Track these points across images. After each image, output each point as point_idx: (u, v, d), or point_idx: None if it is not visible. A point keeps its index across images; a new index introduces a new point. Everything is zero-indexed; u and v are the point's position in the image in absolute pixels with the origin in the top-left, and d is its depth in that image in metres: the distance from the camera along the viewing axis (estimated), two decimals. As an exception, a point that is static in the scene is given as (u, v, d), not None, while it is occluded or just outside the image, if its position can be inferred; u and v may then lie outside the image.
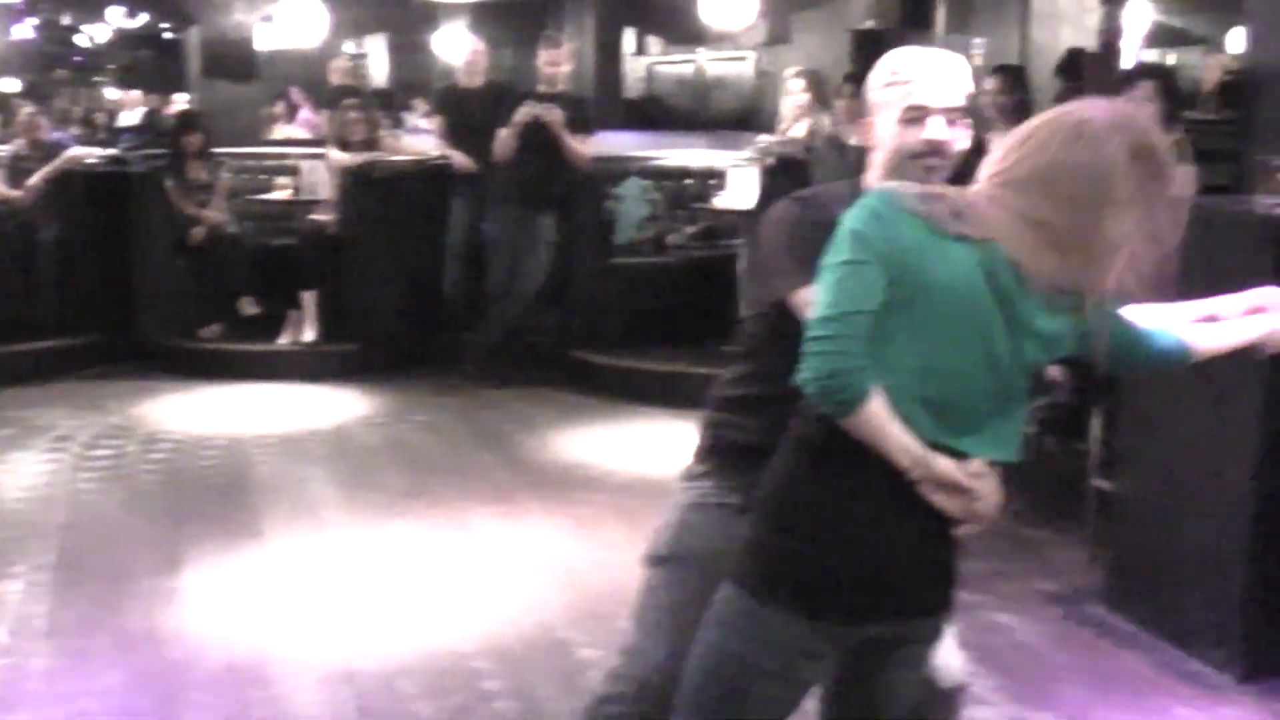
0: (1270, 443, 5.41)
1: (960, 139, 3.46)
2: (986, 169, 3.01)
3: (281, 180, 12.28)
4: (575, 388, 10.48)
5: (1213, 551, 5.63)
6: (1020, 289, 2.89)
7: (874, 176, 3.55)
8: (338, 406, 9.88)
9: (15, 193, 11.47)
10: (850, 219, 2.91)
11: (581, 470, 8.36)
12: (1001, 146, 3.02)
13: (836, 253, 2.91)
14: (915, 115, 3.44)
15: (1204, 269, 5.58)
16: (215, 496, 7.84)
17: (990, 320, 2.91)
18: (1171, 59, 15.46)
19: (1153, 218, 2.96)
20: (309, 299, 11.00)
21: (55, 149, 11.94)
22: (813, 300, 2.93)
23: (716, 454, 3.83)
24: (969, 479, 3.06)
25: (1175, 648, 5.73)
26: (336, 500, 7.80)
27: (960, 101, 3.50)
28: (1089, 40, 8.79)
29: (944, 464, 2.99)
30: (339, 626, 5.91)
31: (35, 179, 11.48)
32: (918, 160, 3.44)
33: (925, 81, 3.49)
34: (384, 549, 6.93)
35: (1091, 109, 3.04)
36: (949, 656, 3.66)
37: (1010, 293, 2.89)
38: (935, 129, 3.45)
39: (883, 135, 3.52)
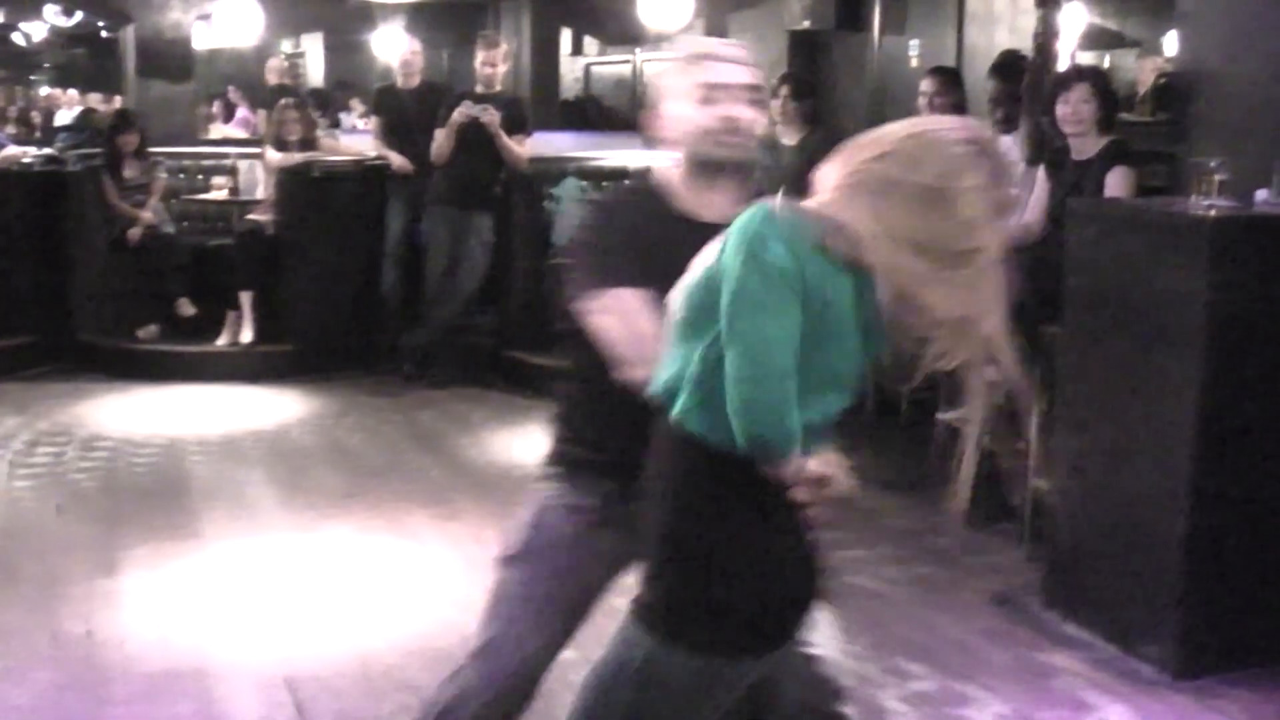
0: (1205, 439, 5.47)
1: (757, 119, 3.55)
2: (832, 176, 2.99)
3: (218, 180, 12.23)
4: (512, 388, 10.49)
5: (1148, 549, 5.69)
6: (877, 311, 2.89)
7: (674, 164, 3.61)
8: (275, 408, 9.85)
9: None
10: (773, 254, 2.78)
11: (519, 471, 8.34)
12: (850, 157, 3.00)
13: (764, 288, 2.78)
14: (711, 94, 3.50)
15: (1141, 270, 5.67)
16: (152, 499, 7.81)
17: (855, 340, 2.94)
18: (1107, 61, 15.58)
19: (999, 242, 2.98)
20: (246, 299, 10.96)
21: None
22: (737, 340, 2.81)
23: (564, 461, 3.84)
24: (830, 470, 3.16)
25: (1112, 646, 5.78)
26: (274, 502, 7.78)
27: (754, 80, 3.57)
28: (1024, 43, 8.84)
29: (811, 464, 3.06)
30: (277, 629, 5.90)
31: None
32: (717, 139, 3.50)
33: (718, 62, 3.57)
34: (322, 551, 6.92)
35: (942, 123, 3.02)
36: (827, 642, 3.64)
37: (871, 315, 2.89)
38: (732, 106, 3.51)
39: (678, 118, 3.57)
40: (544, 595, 3.68)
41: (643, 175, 3.76)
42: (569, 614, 3.74)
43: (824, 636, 3.60)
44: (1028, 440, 6.88)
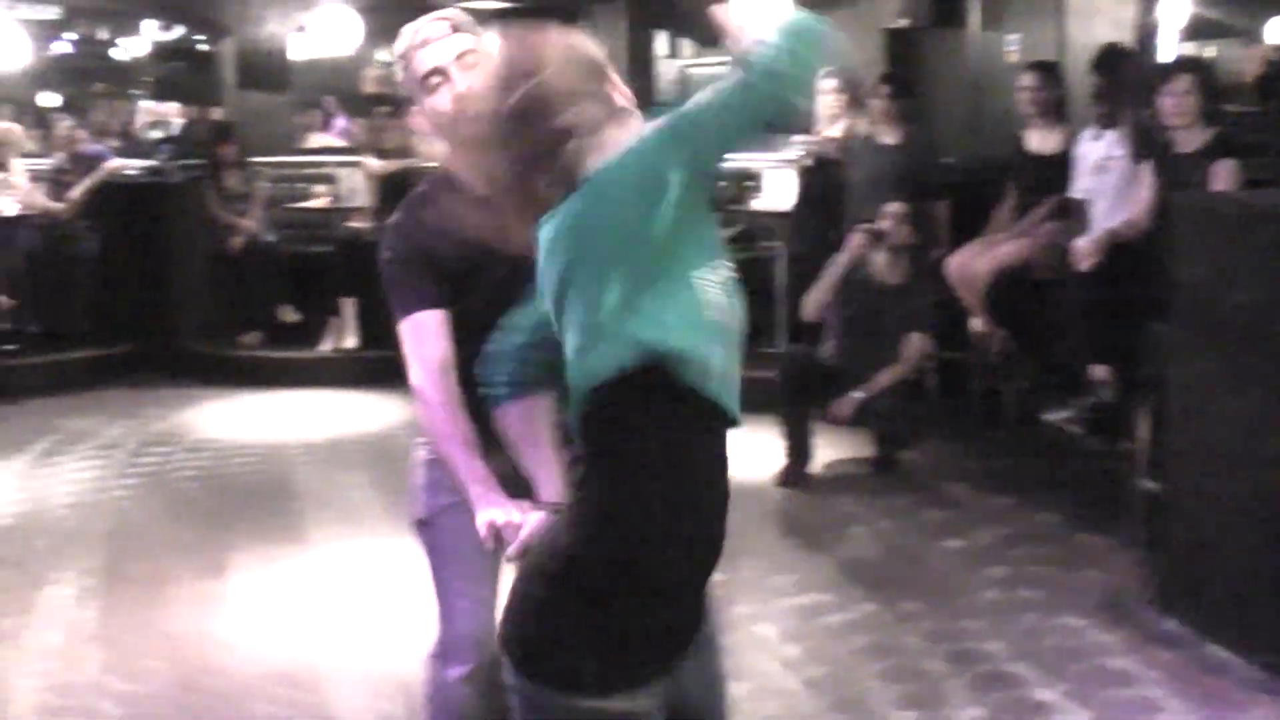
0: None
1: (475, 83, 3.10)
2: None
3: (318, 188, 12.32)
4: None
5: (1263, 552, 5.56)
6: None
7: (452, 161, 3.54)
8: (378, 413, 9.88)
9: (57, 205, 11.53)
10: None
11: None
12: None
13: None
14: (436, 79, 3.47)
15: (1249, 264, 5.57)
16: (258, 503, 7.87)
17: None
18: (1210, 52, 15.36)
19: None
20: (347, 306, 11.03)
21: (95, 161, 12.02)
22: None
23: None
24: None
25: (1227, 650, 5.63)
26: (379, 506, 7.80)
27: (467, 45, 3.49)
28: (1125, 35, 8.75)
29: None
30: (385, 632, 5.90)
31: (76, 192, 11.55)
32: (458, 123, 3.30)
33: (427, 45, 3.51)
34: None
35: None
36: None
37: None
38: (459, 80, 3.44)
39: (430, 115, 3.53)
40: (469, 548, 3.47)
41: (430, 180, 3.69)
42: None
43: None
44: (1137, 440, 6.78)
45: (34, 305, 11.75)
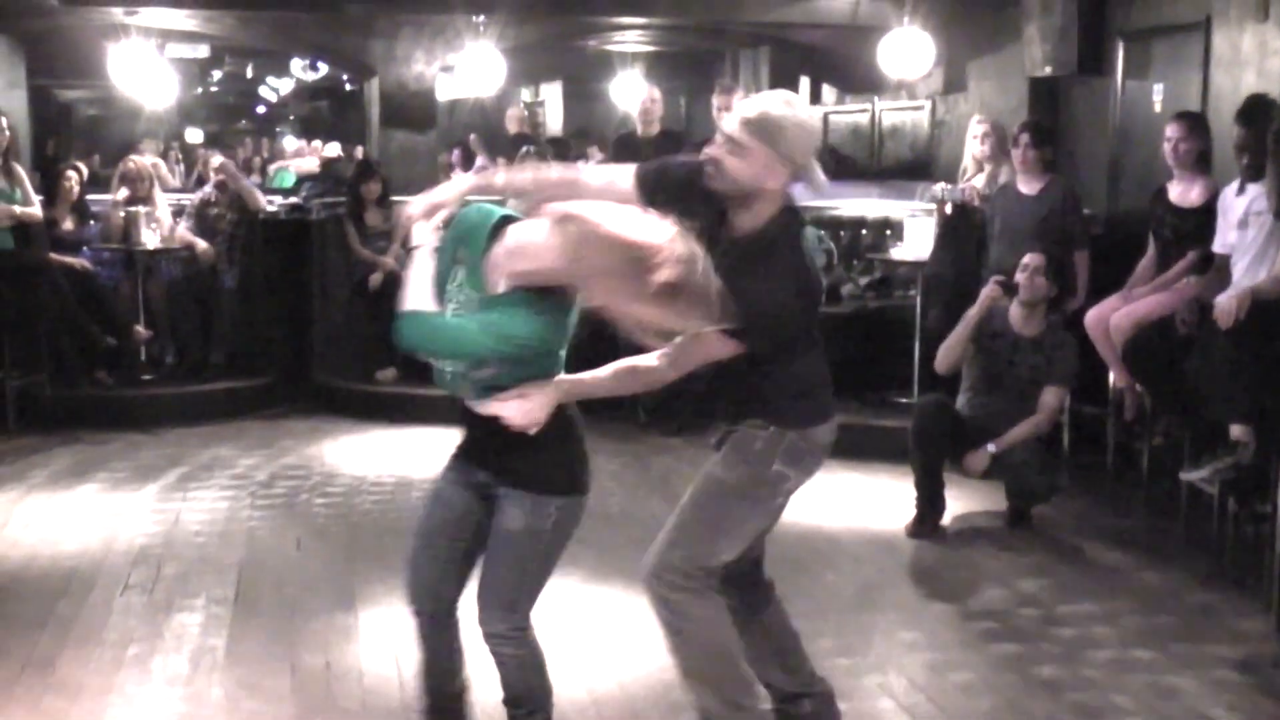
0: None
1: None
2: None
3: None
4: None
5: None
6: None
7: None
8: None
9: (203, 243, 11.69)
10: None
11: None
12: None
13: None
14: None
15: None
16: (389, 536, 7.90)
17: None
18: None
19: None
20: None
21: (245, 191, 12.22)
22: None
23: None
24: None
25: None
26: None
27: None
28: (1273, 86, 8.60)
29: None
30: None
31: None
32: None
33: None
34: (552, 596, 6.91)
35: None
36: None
37: None
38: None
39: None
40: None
41: None
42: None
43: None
44: (1274, 502, 6.65)
45: (172, 336, 11.93)
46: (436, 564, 4.80)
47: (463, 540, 4.71)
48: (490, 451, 4.49)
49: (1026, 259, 8.22)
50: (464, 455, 4.65)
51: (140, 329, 11.38)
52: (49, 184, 11.59)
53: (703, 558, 4.84)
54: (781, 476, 4.88)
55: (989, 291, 8.30)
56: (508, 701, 4.69)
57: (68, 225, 11.51)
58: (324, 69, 22.40)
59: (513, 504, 4.48)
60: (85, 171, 12.50)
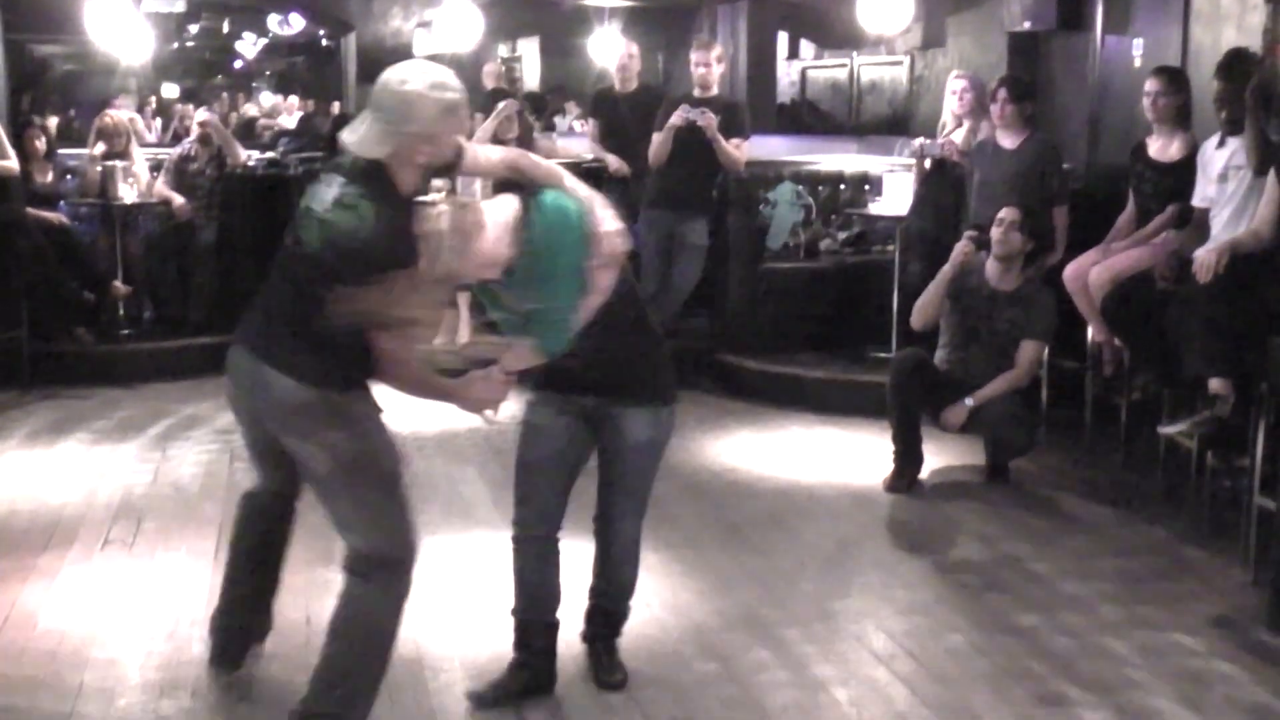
0: None
1: None
2: None
3: (436, 183, 12.33)
4: (725, 392, 10.48)
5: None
6: None
7: None
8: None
9: (180, 199, 11.67)
10: None
11: (731, 474, 8.34)
12: None
13: None
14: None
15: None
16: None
17: None
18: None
19: None
20: (463, 301, 11.06)
21: (227, 144, 12.20)
22: None
23: None
24: None
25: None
26: (488, 500, 7.85)
27: None
28: (1253, 41, 8.60)
29: None
30: (492, 625, 5.92)
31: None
32: None
33: None
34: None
35: None
36: None
37: None
38: None
39: None
40: None
41: None
42: None
43: None
44: (1252, 456, 6.68)
45: (150, 292, 11.91)
46: (553, 491, 5.24)
47: (572, 466, 5.23)
48: (598, 376, 4.99)
49: (1002, 213, 8.23)
50: (559, 386, 5.07)
51: (118, 284, 11.35)
52: (16, 144, 11.52)
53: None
54: None
55: (962, 246, 8.32)
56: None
57: (43, 179, 11.46)
58: (301, 24, 22.26)
59: (635, 419, 5.08)
60: (52, 123, 12.45)
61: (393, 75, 4.54)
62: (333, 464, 4.65)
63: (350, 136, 4.54)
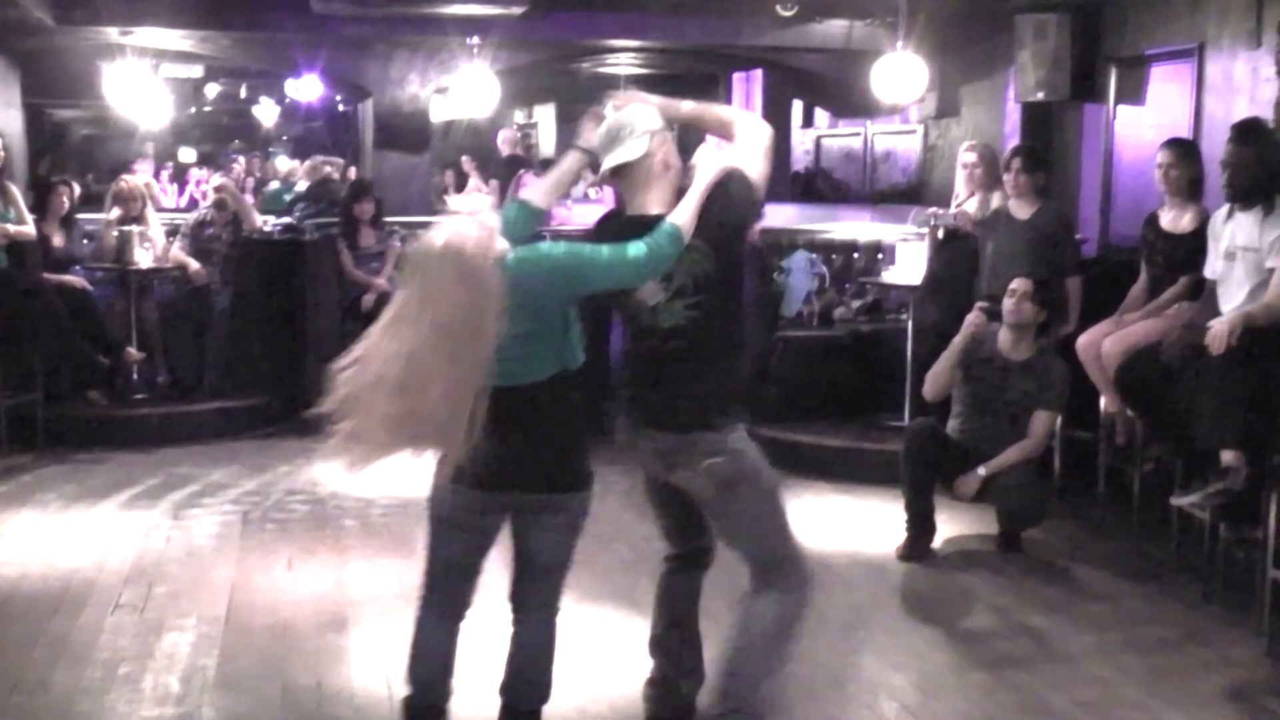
0: None
1: None
2: None
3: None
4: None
5: None
6: None
7: None
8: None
9: (195, 264, 11.73)
10: None
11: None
12: None
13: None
14: None
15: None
16: (382, 558, 7.91)
17: None
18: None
19: None
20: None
21: (242, 210, 12.27)
22: None
23: None
24: None
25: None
26: (501, 566, 7.80)
27: None
28: (1264, 113, 8.62)
29: None
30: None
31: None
32: None
33: None
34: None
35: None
36: None
37: None
38: None
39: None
40: None
41: None
42: None
43: None
44: (1265, 529, 6.66)
45: (165, 357, 11.94)
46: (470, 587, 5.14)
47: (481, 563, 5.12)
48: (524, 467, 4.83)
49: (1014, 284, 8.25)
50: (482, 484, 4.78)
51: (133, 349, 11.38)
52: (40, 200, 11.58)
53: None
54: None
55: (973, 318, 8.33)
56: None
57: (57, 241, 11.51)
58: (318, 90, 22.38)
59: (560, 509, 4.99)
60: (77, 188, 12.51)
61: None
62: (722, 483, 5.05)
63: None
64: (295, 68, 16.10)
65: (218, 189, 12.32)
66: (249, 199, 15.32)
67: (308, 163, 18.62)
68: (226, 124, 31.17)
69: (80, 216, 12.18)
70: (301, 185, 17.50)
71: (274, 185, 20.49)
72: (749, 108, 16.59)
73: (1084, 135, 11.51)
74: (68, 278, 11.19)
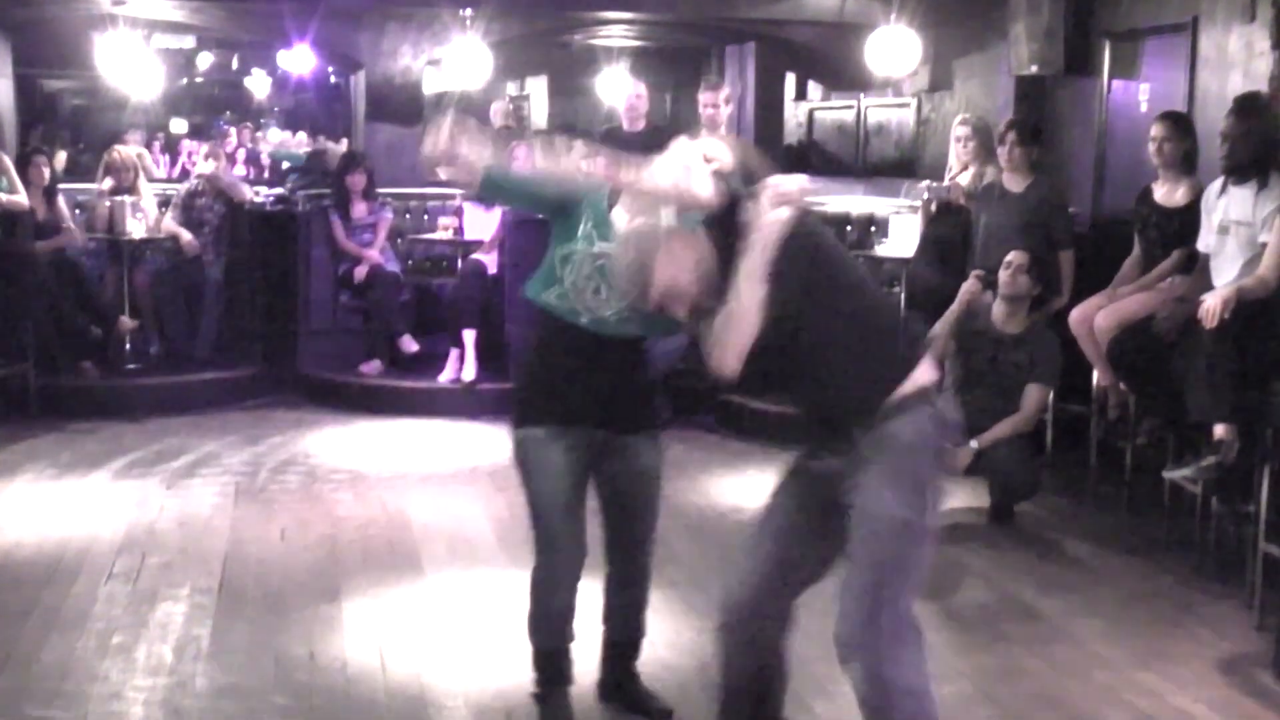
0: None
1: None
2: None
3: (443, 220, 12.40)
4: (729, 431, 10.48)
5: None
6: None
7: None
8: (495, 444, 9.88)
9: (188, 234, 11.73)
10: None
11: (735, 514, 8.32)
12: None
13: None
14: None
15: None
16: (373, 529, 7.93)
17: None
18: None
19: None
20: (469, 338, 11.09)
21: (230, 188, 12.25)
22: None
23: None
24: None
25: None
26: (492, 537, 7.84)
27: None
28: (1259, 87, 8.61)
29: None
30: (495, 662, 5.92)
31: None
32: None
33: None
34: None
35: None
36: None
37: None
38: None
39: None
40: None
41: None
42: None
43: None
44: (1257, 502, 6.67)
45: (157, 327, 11.94)
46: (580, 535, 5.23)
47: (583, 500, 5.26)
48: (609, 408, 5.10)
49: (1009, 257, 8.25)
50: (566, 419, 5.12)
51: (125, 319, 11.38)
52: (19, 172, 11.55)
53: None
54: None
55: (968, 287, 8.34)
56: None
57: (40, 213, 11.47)
58: (311, 62, 22.32)
59: (644, 447, 5.22)
60: (62, 155, 12.51)
61: None
62: None
63: None
64: (287, 39, 16.01)
65: (207, 177, 12.29)
66: (240, 171, 15.31)
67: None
68: (218, 95, 31.07)
69: (71, 187, 12.16)
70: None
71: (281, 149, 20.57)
72: (741, 81, 16.52)
73: (1078, 109, 11.48)
74: (57, 241, 11.19)
